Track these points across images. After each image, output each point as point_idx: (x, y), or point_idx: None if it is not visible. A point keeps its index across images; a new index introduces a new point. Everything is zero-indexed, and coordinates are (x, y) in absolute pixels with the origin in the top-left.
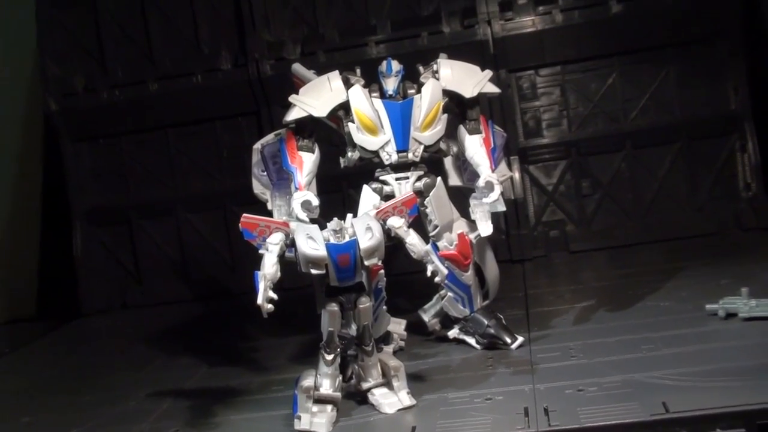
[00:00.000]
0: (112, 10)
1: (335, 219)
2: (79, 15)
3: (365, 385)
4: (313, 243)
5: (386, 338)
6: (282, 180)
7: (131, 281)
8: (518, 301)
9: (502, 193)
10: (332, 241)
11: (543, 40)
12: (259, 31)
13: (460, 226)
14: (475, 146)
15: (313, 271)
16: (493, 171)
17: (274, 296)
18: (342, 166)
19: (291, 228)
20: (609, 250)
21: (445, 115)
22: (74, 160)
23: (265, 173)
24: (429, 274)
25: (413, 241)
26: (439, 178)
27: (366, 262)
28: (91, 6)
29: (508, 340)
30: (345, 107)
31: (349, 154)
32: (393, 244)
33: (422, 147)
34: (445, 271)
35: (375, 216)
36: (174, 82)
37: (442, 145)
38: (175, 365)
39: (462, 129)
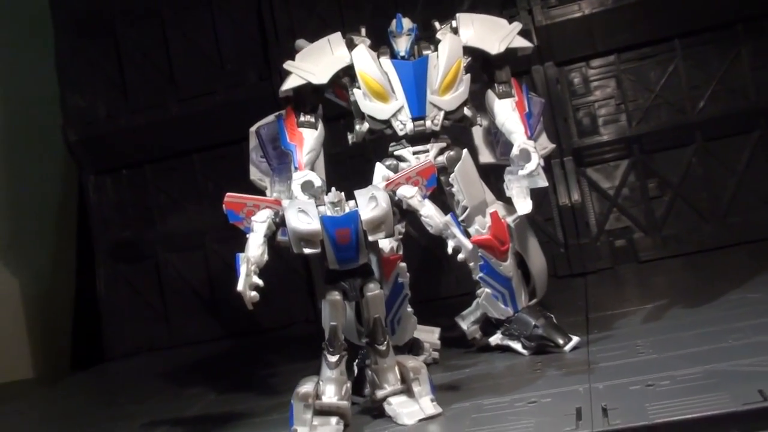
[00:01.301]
0: (133, 35)
1: (333, 189)
2: (99, 42)
3: (380, 393)
4: (305, 216)
5: (415, 347)
6: (283, 164)
7: (158, 320)
8: (576, 308)
9: (542, 166)
10: (329, 214)
11: (592, 26)
12: (283, 42)
13: (495, 209)
14: (507, 111)
15: (306, 251)
16: (529, 139)
17: (260, 282)
18: (350, 142)
19: (283, 206)
20: (684, 257)
21: (468, 75)
22: (97, 193)
23: (264, 159)
24: (450, 251)
25: (429, 212)
26: (465, 151)
27: (370, 237)
28: (111, 32)
29: (561, 342)
30: (350, 73)
31: (357, 126)
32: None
33: (442, 113)
34: (470, 246)
35: (384, 188)
36: (196, 102)
37: (467, 112)
38: (183, 395)
39: (491, 94)
